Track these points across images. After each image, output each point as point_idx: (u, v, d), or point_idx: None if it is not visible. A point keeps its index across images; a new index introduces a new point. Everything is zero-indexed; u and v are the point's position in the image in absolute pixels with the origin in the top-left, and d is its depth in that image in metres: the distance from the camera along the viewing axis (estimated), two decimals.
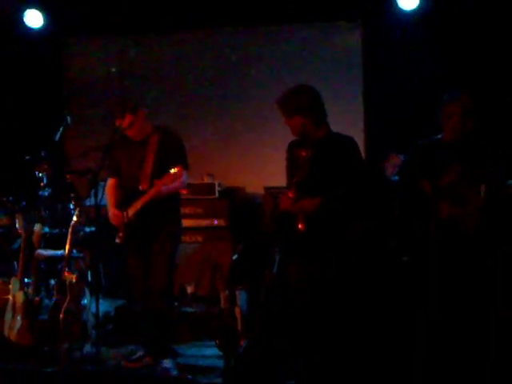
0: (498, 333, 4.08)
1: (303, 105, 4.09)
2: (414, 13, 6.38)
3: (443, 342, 4.12)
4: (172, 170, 4.58)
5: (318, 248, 4.02)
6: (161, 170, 4.67)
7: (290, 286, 4.07)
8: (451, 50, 6.30)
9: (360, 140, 5.88)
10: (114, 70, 7.29)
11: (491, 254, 4.12)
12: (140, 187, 4.70)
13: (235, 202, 6.61)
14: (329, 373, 4.00)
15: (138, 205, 4.68)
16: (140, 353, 4.91)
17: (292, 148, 4.31)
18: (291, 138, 4.32)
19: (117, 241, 4.76)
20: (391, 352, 4.40)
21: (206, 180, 6.62)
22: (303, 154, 4.14)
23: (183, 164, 4.75)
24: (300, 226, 4.01)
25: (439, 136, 4.49)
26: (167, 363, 4.77)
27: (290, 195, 4.08)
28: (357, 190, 4.00)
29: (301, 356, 4.06)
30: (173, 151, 4.78)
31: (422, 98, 6.11)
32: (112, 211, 4.81)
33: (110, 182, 4.97)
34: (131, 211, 4.71)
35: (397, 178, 4.59)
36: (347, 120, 6.38)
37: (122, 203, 4.80)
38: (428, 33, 6.37)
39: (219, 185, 6.58)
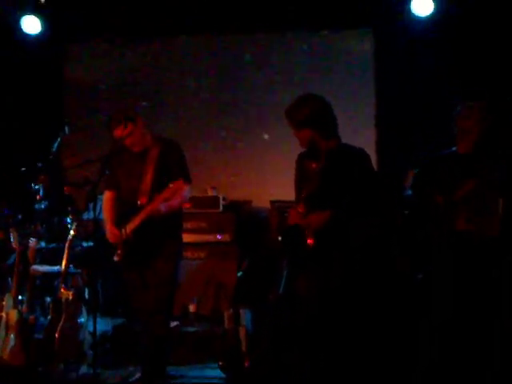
0: (502, 343, 4.10)
1: (313, 116, 4.06)
2: (428, 19, 6.43)
3: (449, 348, 4.13)
4: (171, 185, 4.54)
5: (327, 260, 4.01)
6: (161, 184, 4.62)
7: (299, 300, 4.05)
8: (465, 58, 6.36)
9: (372, 151, 5.90)
10: (103, 87, 7.33)
11: (496, 264, 4.13)
12: (138, 202, 4.65)
13: (240, 216, 6.60)
14: (337, 381, 3.99)
15: (136, 221, 4.63)
16: (137, 375, 4.87)
17: (301, 160, 4.29)
18: (299, 150, 4.30)
19: (115, 258, 4.71)
20: (398, 360, 4.44)
21: (210, 193, 6.62)
22: (313, 166, 4.13)
23: (185, 177, 4.72)
24: (309, 241, 3.99)
25: (453, 148, 4.47)
26: None
27: (300, 210, 4.05)
28: (364, 199, 3.99)
29: (310, 369, 4.03)
30: (174, 163, 4.75)
31: (436, 106, 6.15)
32: (109, 228, 4.75)
33: (107, 195, 4.92)
34: (129, 228, 4.66)
35: (410, 191, 4.58)
36: (359, 130, 6.43)
37: (120, 218, 4.75)
38: (442, 40, 6.43)
39: (223, 198, 6.58)
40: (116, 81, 7.36)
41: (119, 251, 4.69)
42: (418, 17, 6.43)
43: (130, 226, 4.65)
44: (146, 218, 4.60)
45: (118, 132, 4.69)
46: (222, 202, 6.53)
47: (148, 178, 4.69)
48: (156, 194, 4.59)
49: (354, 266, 4.06)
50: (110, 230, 4.74)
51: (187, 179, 4.75)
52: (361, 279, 4.13)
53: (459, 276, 4.14)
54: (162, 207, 4.61)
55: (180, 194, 4.68)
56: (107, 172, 4.81)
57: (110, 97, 7.25)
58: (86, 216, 5.55)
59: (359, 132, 6.41)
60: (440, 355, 4.14)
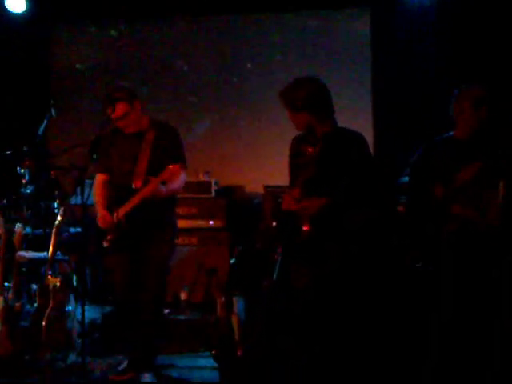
0: (503, 341, 4.12)
1: (309, 99, 4.04)
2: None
3: (454, 346, 4.16)
4: (170, 167, 4.50)
5: (323, 248, 4.01)
6: (156, 168, 4.58)
7: (294, 287, 4.04)
8: (465, 41, 6.34)
9: (369, 134, 5.91)
10: (78, 66, 7.31)
11: (496, 264, 4.13)
12: (133, 185, 4.60)
13: (233, 201, 6.61)
14: (334, 369, 4.01)
15: (130, 204, 4.59)
16: (125, 364, 4.87)
17: (297, 144, 4.28)
18: (294, 133, 4.30)
19: (104, 244, 4.68)
20: (396, 349, 4.48)
21: (202, 178, 6.61)
22: (309, 150, 4.11)
23: (182, 162, 4.69)
24: (305, 228, 3.98)
25: (451, 133, 4.45)
26: (147, 377, 4.70)
27: (295, 195, 4.04)
28: (361, 182, 3.99)
29: (306, 353, 4.05)
30: (170, 147, 4.71)
31: (435, 88, 6.17)
32: (101, 212, 4.71)
33: (99, 178, 4.87)
34: (122, 211, 4.62)
35: (407, 178, 4.59)
36: (356, 113, 6.47)
37: (113, 203, 4.72)
38: (441, 21, 6.43)
39: (216, 183, 6.57)
40: (105, 63, 7.33)
41: (109, 236, 4.67)
42: None
43: (123, 210, 4.61)
44: (141, 202, 4.56)
45: (111, 112, 4.64)
46: (213, 187, 6.53)
47: (143, 160, 4.65)
48: (152, 177, 4.54)
49: (351, 254, 4.05)
50: (101, 214, 4.70)
51: (184, 164, 4.73)
52: (358, 268, 4.12)
53: (459, 273, 4.15)
54: (163, 189, 4.57)
55: (177, 178, 4.65)
56: (95, 156, 4.73)
57: (98, 79, 7.22)
58: (73, 201, 5.56)
59: (356, 115, 6.44)
60: (446, 351, 4.17)
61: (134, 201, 4.58)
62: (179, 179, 4.70)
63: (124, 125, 4.70)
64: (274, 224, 4.11)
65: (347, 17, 6.98)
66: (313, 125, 4.10)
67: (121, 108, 4.62)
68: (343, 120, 4.22)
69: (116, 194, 4.74)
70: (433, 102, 6.11)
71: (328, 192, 4.00)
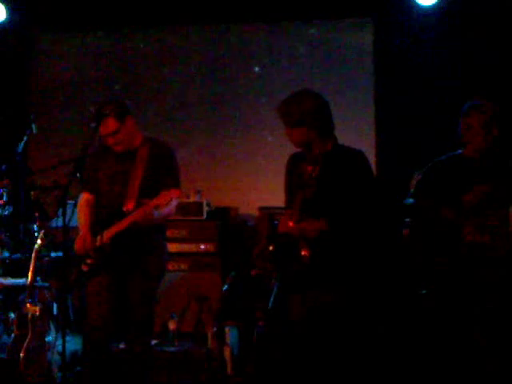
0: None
1: (308, 114, 4.03)
2: (432, 9, 6.48)
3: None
4: (164, 192, 4.45)
5: (325, 275, 3.97)
6: (149, 190, 4.53)
7: (291, 325, 3.99)
8: (471, 51, 6.40)
9: (371, 152, 5.93)
10: (76, 80, 7.27)
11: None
12: (124, 208, 4.54)
13: (226, 223, 6.61)
14: None
15: (118, 227, 4.52)
16: None
17: (294, 162, 4.27)
18: (291, 151, 4.30)
19: (83, 268, 4.63)
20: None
21: (193, 198, 6.60)
22: (309, 169, 4.10)
23: (177, 187, 4.63)
24: (304, 253, 3.94)
25: (459, 151, 4.46)
26: None
27: (293, 217, 4.01)
28: (362, 204, 3.98)
29: None
30: (165, 169, 4.66)
31: (441, 102, 6.23)
32: (83, 232, 4.65)
33: (84, 197, 4.82)
34: (108, 234, 4.55)
35: (411, 200, 4.59)
36: (357, 129, 6.52)
37: (98, 226, 4.65)
38: (446, 31, 6.49)
39: (208, 204, 6.56)
40: (89, 74, 7.33)
41: (90, 260, 4.60)
42: (421, 6, 6.48)
43: (110, 232, 4.54)
44: (131, 225, 4.49)
45: (101, 128, 4.56)
46: (205, 208, 6.51)
47: (136, 181, 4.59)
48: (146, 200, 4.47)
49: (350, 284, 4.01)
50: (82, 235, 4.63)
51: (179, 189, 4.66)
52: (357, 301, 4.09)
53: (469, 298, 4.20)
54: (156, 214, 4.50)
55: (171, 204, 4.56)
56: (78, 175, 4.71)
57: (83, 92, 7.23)
58: (54, 223, 5.51)
59: (358, 130, 6.50)
60: None
61: (123, 224, 4.50)
62: (172, 205, 4.62)
63: (113, 143, 4.62)
64: (271, 248, 4.08)
65: (349, 27, 7.02)
66: (312, 142, 4.08)
67: (109, 124, 4.55)
68: (344, 136, 4.24)
69: (102, 217, 4.67)
70: (439, 117, 6.15)
71: (328, 214, 3.98)
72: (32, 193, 5.90)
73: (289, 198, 4.24)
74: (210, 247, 6.41)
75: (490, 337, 4.19)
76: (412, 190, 4.56)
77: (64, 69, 7.38)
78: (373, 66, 6.87)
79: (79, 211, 4.77)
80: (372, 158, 5.11)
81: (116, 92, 7.10)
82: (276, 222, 4.22)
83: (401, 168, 5.90)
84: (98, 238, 4.56)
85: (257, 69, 7.15)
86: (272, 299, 4.09)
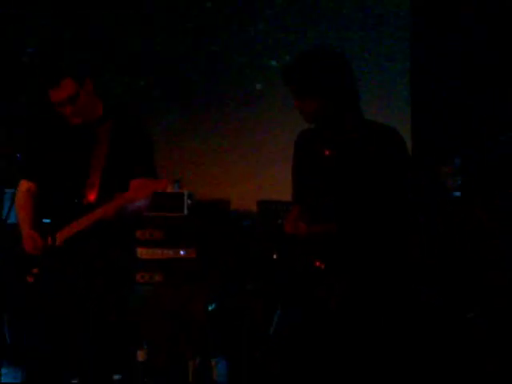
0: None
1: (325, 80, 4.02)
2: None
3: None
4: (136, 182, 4.49)
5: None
6: (116, 176, 4.58)
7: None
8: None
9: (405, 129, 5.93)
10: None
11: None
12: (84, 200, 4.60)
13: (213, 222, 6.61)
14: None
15: (78, 226, 4.56)
16: None
17: (306, 142, 4.27)
18: (298, 128, 4.32)
19: (28, 279, 4.64)
20: None
21: (170, 189, 6.50)
22: (326, 153, 4.09)
23: (151, 174, 4.66)
24: (318, 264, 3.96)
25: None
26: None
27: (304, 216, 4.03)
28: (398, 197, 4.04)
29: None
30: (136, 146, 4.69)
31: (487, 76, 6.36)
32: (27, 232, 4.67)
33: (24, 187, 4.86)
34: (63, 235, 4.58)
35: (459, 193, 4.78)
36: (389, 99, 6.70)
37: (45, 223, 4.72)
38: None
39: (190, 196, 6.51)
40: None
41: (35, 269, 4.62)
42: None
43: (66, 233, 4.57)
44: (96, 224, 4.53)
45: (54, 94, 4.58)
46: (186, 201, 6.46)
47: (97, 166, 4.63)
48: (118, 193, 4.51)
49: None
50: (27, 235, 4.67)
51: (154, 177, 4.68)
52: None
53: None
54: (128, 208, 4.55)
55: (144, 195, 4.57)
56: (19, 155, 4.82)
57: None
58: None
59: (390, 103, 6.63)
60: None
61: (86, 222, 4.55)
62: (145, 195, 4.60)
63: (70, 112, 4.64)
64: (274, 256, 4.07)
65: None
66: (329, 116, 4.08)
67: (65, 88, 4.57)
68: (371, 114, 4.24)
69: (50, 212, 4.74)
70: (486, 92, 6.29)
71: (347, 212, 4.00)
72: None
73: (297, 190, 4.27)
74: (192, 253, 6.35)
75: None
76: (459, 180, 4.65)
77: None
78: (410, 32, 7.00)
79: (19, 205, 4.83)
80: (407, 139, 5.11)
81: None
82: (280, 222, 4.24)
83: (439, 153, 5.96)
84: (49, 239, 4.58)
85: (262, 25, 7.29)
86: (275, 323, 4.12)
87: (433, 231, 5.15)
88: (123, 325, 4.98)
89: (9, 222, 4.81)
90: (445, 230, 4.89)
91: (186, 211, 6.44)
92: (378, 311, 3.99)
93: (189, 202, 6.48)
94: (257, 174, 6.94)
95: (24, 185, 4.84)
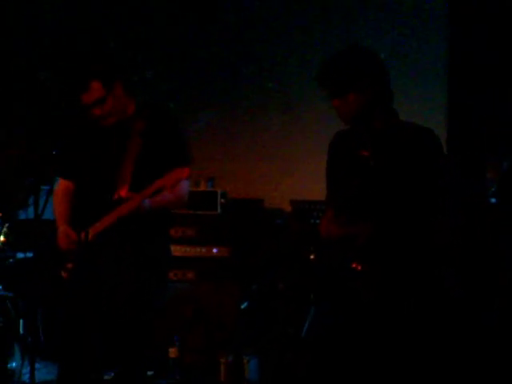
0: None
1: (363, 73, 4.00)
2: None
3: None
4: (168, 174, 4.45)
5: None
6: (148, 173, 4.54)
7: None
8: None
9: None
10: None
11: None
12: (114, 196, 4.56)
13: (246, 221, 6.60)
14: None
15: (105, 222, 4.54)
16: None
17: (341, 143, 4.25)
18: (332, 129, 4.27)
19: (62, 274, 4.62)
20: None
21: (204, 187, 6.61)
22: (363, 153, 4.07)
23: (186, 163, 4.61)
24: (354, 265, 3.94)
25: None
26: None
27: (340, 217, 4.01)
28: (433, 199, 4.00)
29: None
30: (168, 142, 4.67)
31: None
32: (62, 228, 4.64)
33: (61, 186, 4.85)
34: (93, 231, 4.56)
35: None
36: (425, 102, 6.53)
37: (81, 219, 4.65)
38: None
39: (223, 195, 6.55)
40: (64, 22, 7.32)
41: (70, 264, 4.59)
42: None
43: (96, 229, 4.56)
44: (124, 219, 4.52)
45: (84, 97, 4.58)
46: (220, 200, 6.50)
47: (129, 163, 4.61)
48: (134, 194, 4.51)
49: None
50: (62, 230, 4.63)
51: (186, 162, 4.65)
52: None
53: None
54: (150, 202, 4.53)
55: (178, 186, 4.57)
56: (55, 152, 4.82)
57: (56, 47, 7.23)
58: (23, 215, 5.56)
59: (425, 106, 6.50)
60: None
61: (114, 217, 4.54)
62: (181, 188, 4.63)
63: (99, 114, 4.65)
64: (311, 257, 4.06)
65: None
66: (364, 112, 4.05)
67: (93, 91, 4.57)
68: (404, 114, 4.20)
69: (87, 208, 4.70)
70: None
71: (383, 213, 3.97)
72: None
73: (332, 191, 4.23)
74: (225, 251, 6.38)
75: None
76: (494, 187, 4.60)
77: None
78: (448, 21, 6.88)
79: (55, 202, 4.80)
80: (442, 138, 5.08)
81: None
82: (313, 222, 4.22)
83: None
84: (82, 235, 4.56)
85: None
86: (307, 324, 4.08)
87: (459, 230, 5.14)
88: (155, 321, 5.01)
89: (43, 218, 4.83)
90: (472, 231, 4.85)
91: (219, 209, 6.50)
92: (410, 304, 3.97)
93: (222, 200, 6.51)
94: (290, 173, 6.82)
95: (63, 183, 4.84)
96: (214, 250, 6.37)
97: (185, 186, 4.69)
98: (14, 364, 5.06)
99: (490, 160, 4.93)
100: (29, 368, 4.64)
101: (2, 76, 6.26)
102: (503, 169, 4.61)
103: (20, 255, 5.71)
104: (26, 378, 4.83)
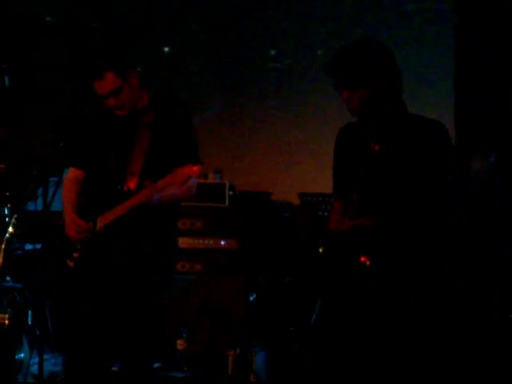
0: None
1: (372, 71, 4.00)
2: None
3: None
4: (178, 169, 4.48)
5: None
6: (158, 165, 4.57)
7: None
8: None
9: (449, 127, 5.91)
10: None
11: None
12: (124, 187, 4.59)
13: (254, 213, 6.60)
14: None
15: (116, 212, 4.56)
16: None
17: (349, 137, 4.24)
18: (340, 121, 4.27)
19: (69, 263, 4.64)
20: None
21: (212, 179, 6.64)
22: (374, 146, 4.07)
23: (195, 161, 4.63)
24: (363, 259, 3.93)
25: None
26: None
27: (348, 210, 4.02)
28: (439, 198, 3.99)
29: None
30: (179, 136, 4.67)
31: None
32: (70, 217, 4.68)
33: (71, 174, 4.87)
34: (103, 221, 4.55)
35: None
36: (432, 96, 6.59)
37: (90, 209, 4.63)
38: None
39: (231, 187, 6.56)
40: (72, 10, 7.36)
41: (77, 254, 4.62)
42: None
43: (105, 219, 4.57)
44: (132, 210, 4.53)
45: (99, 87, 4.59)
46: (228, 192, 6.51)
47: (140, 154, 4.63)
48: (147, 182, 4.52)
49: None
50: (70, 219, 4.67)
51: (197, 161, 4.66)
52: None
53: None
54: (161, 195, 4.56)
55: (187, 183, 4.59)
56: (62, 144, 4.77)
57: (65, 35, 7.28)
58: (31, 206, 5.54)
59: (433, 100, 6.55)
60: None
61: (124, 208, 4.55)
62: (190, 185, 4.66)
63: (113, 104, 4.66)
64: (320, 250, 4.06)
65: None
66: (375, 105, 4.05)
67: (108, 81, 4.58)
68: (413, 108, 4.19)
69: (95, 199, 4.72)
70: None
71: (392, 206, 3.97)
72: (1, 166, 5.95)
73: (339, 184, 4.23)
74: (233, 243, 6.40)
75: None
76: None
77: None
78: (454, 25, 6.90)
79: (65, 192, 4.83)
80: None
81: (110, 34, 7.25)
82: (321, 214, 4.21)
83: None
84: (91, 225, 4.52)
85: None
86: (315, 315, 4.08)
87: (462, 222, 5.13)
88: (163, 313, 5.00)
89: (52, 209, 4.83)
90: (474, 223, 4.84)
91: (227, 202, 6.51)
92: (417, 299, 3.96)
93: (230, 192, 6.53)
94: (298, 166, 6.89)
95: (72, 172, 4.86)
96: (222, 243, 6.39)
97: (193, 183, 4.71)
98: (22, 355, 5.03)
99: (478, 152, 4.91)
100: (37, 359, 4.58)
101: (15, 67, 6.25)
102: (491, 161, 4.60)
103: (29, 247, 5.71)
104: (34, 369, 4.83)
